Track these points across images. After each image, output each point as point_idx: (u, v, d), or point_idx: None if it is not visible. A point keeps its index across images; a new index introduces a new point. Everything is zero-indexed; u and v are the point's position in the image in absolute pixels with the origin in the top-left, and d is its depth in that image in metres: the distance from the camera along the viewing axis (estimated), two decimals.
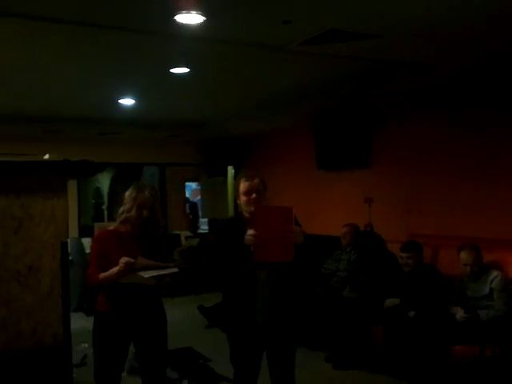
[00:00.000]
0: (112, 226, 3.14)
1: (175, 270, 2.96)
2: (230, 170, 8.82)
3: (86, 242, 6.91)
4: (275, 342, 2.87)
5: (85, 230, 8.64)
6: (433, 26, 3.44)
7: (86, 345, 4.66)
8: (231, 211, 8.13)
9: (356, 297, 4.79)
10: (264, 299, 2.80)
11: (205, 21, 3.17)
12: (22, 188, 3.41)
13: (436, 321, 3.93)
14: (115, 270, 2.86)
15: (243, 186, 2.88)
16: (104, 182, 12.10)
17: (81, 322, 5.03)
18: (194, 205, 11.67)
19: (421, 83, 5.06)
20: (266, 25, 3.36)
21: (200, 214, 11.25)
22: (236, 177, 8.49)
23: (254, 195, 2.85)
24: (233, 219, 3.02)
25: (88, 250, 6.38)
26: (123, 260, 2.83)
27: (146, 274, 2.82)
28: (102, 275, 2.92)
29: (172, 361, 4.63)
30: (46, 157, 3.61)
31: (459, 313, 3.80)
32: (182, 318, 6.50)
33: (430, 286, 4.24)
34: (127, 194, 3.08)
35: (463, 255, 3.99)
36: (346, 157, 6.57)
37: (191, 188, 12.17)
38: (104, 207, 12.36)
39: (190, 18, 3.12)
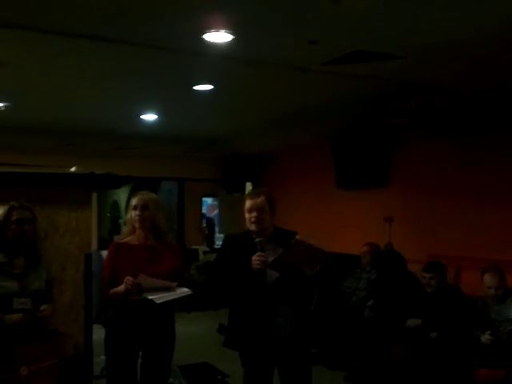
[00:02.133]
0: (124, 239, 3.15)
1: (187, 292, 2.93)
2: (248, 186, 8.86)
3: (105, 254, 6.94)
4: (291, 357, 2.85)
5: (102, 243, 8.71)
6: (456, 49, 3.46)
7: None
8: None
9: (376, 316, 4.74)
10: (282, 314, 2.79)
11: (233, 39, 3.22)
12: (47, 199, 3.45)
13: (459, 342, 3.87)
14: (122, 289, 2.86)
15: (246, 203, 2.88)
16: (121, 195, 12.19)
17: (99, 334, 5.02)
18: (210, 220, 11.72)
19: (442, 104, 5.07)
20: (292, 45, 3.41)
21: (216, 229, 11.28)
22: None
23: (254, 213, 2.83)
24: (242, 235, 2.96)
25: None
26: (128, 281, 2.82)
27: (158, 300, 2.80)
28: (112, 291, 2.94)
29: (190, 375, 4.62)
30: (73, 169, 3.66)
31: (485, 335, 3.74)
32: (199, 333, 6.48)
33: (453, 306, 4.18)
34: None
35: (487, 278, 3.93)
36: (365, 176, 6.56)
37: (207, 203, 12.21)
38: (121, 221, 12.43)
39: (219, 37, 3.18)
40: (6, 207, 2.86)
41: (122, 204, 12.28)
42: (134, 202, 3.07)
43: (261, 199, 2.85)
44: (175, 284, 2.93)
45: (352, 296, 5.27)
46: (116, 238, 7.08)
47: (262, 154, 8.74)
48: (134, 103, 5.32)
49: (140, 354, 3.07)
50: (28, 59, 3.77)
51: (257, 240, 2.77)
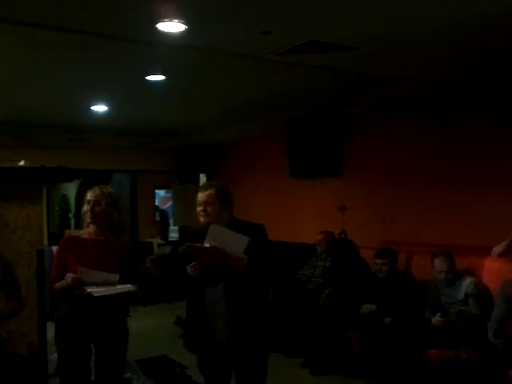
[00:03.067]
0: (78, 233, 3.10)
1: (129, 288, 2.88)
2: (202, 178, 8.82)
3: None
4: (242, 358, 2.80)
5: (52, 239, 8.46)
6: (406, 40, 3.54)
7: None
8: None
9: (332, 303, 4.85)
10: (222, 316, 2.75)
11: (186, 29, 3.18)
12: None
13: (411, 325, 4.01)
14: (64, 284, 2.81)
15: (197, 196, 2.85)
16: (71, 189, 11.87)
17: (51, 332, 4.90)
18: (163, 212, 11.60)
19: (393, 94, 5.19)
20: (246, 34, 3.39)
21: (171, 221, 11.19)
22: None
23: (201, 207, 2.80)
24: (201, 229, 2.85)
25: None
26: (68, 277, 2.78)
27: (96, 294, 2.74)
28: (57, 285, 2.88)
29: (148, 369, 4.59)
30: (22, 163, 3.54)
31: (436, 317, 3.89)
32: (155, 326, 6.42)
33: (405, 292, 4.32)
34: None
35: (437, 262, 4.08)
36: (318, 165, 6.66)
37: (160, 196, 12.09)
38: (71, 215, 12.11)
39: (172, 27, 3.13)
40: None
41: (72, 198, 11.97)
42: (87, 196, 3.03)
43: (208, 192, 2.81)
44: (117, 277, 2.86)
45: (308, 283, 5.36)
46: (67, 233, 6.91)
47: (216, 144, 8.70)
48: (84, 94, 5.16)
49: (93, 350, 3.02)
50: None
51: (180, 248, 2.68)
